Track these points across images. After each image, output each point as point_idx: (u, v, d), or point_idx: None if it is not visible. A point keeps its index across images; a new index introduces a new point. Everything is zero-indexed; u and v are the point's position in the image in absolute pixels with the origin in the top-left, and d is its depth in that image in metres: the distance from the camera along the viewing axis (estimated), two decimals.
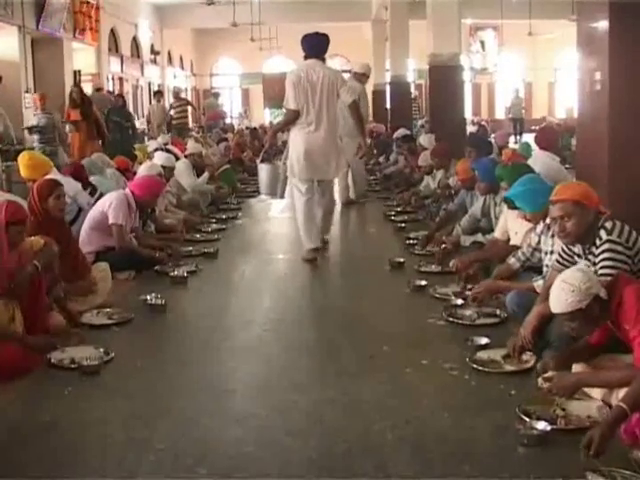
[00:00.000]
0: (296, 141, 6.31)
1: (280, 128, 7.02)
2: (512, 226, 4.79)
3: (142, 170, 6.90)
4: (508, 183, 4.68)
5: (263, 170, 7.16)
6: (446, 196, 7.15)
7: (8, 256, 3.86)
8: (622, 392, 2.79)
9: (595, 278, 2.95)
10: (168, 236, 6.65)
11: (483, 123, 21.11)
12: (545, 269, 4.03)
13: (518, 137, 20.58)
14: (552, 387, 3.01)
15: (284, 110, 6.69)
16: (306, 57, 6.38)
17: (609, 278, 3.09)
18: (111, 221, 5.62)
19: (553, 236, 3.96)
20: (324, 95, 6.20)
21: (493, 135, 12.89)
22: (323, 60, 6.33)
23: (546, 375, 3.21)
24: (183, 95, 18.81)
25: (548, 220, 3.98)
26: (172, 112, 15.89)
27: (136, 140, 13.28)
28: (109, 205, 5.67)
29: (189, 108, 17.08)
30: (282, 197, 7.18)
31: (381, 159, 12.94)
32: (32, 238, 4.14)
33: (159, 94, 17.01)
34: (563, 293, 2.88)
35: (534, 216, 4.22)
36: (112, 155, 8.13)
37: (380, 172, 11.96)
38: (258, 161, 7.77)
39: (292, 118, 6.29)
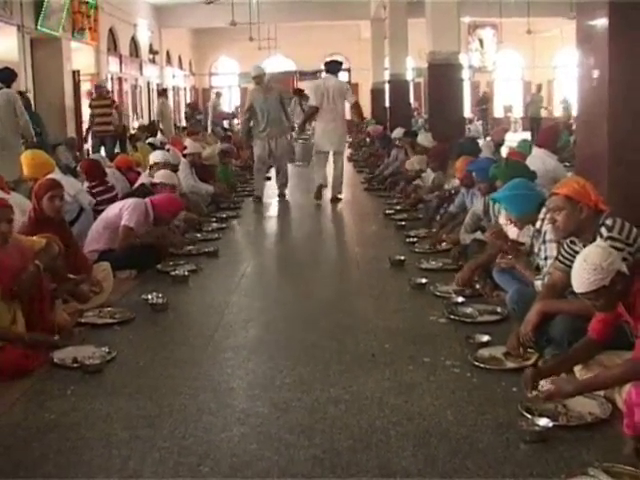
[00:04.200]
0: (319, 127, 9.91)
1: (306, 119, 10.49)
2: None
3: (160, 176, 6.84)
4: (503, 182, 4.66)
5: (298, 145, 12.41)
6: (445, 197, 7.16)
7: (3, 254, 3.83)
8: (625, 388, 2.80)
9: (615, 253, 2.89)
10: (167, 232, 6.61)
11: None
12: (542, 273, 4.01)
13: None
14: (550, 394, 3.00)
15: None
16: (326, 72, 9.99)
17: None
18: (124, 222, 5.69)
19: (545, 242, 3.96)
20: (335, 98, 9.50)
21: (490, 133, 12.88)
22: (336, 75, 9.92)
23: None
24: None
25: (538, 225, 4.00)
26: (90, 112, 12.83)
27: (48, 148, 10.21)
28: (127, 207, 5.75)
29: (114, 112, 12.93)
30: (309, 163, 11.52)
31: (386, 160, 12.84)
32: (34, 238, 4.13)
33: (165, 92, 16.99)
34: (586, 273, 2.82)
35: (519, 220, 4.23)
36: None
37: (379, 171, 11.90)
38: (294, 138, 12.39)
39: (313, 112, 9.77)
